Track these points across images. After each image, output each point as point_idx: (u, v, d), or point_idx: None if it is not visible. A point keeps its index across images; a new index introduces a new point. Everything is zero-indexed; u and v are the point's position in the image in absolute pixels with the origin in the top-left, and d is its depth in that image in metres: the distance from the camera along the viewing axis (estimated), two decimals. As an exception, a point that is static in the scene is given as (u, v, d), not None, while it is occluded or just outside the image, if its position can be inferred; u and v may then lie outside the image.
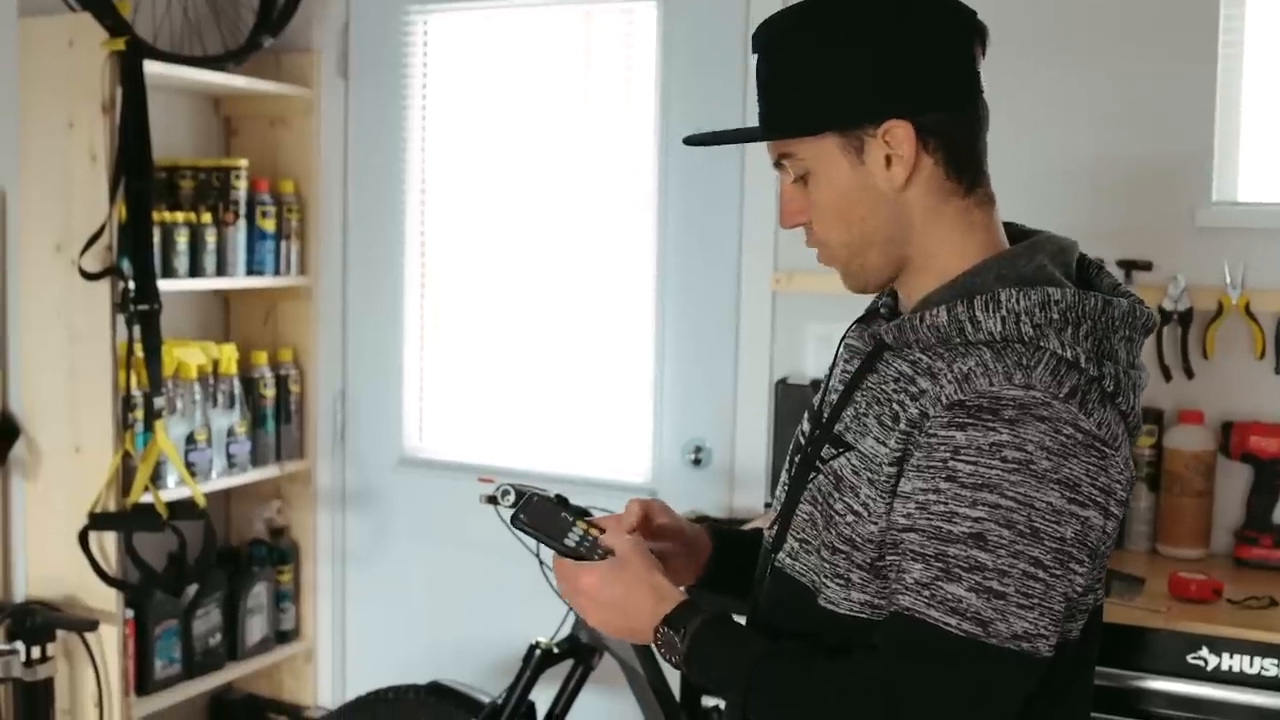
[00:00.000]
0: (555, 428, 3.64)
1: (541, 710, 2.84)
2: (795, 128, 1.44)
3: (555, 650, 2.78)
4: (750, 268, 3.30)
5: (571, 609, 2.77)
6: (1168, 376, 2.83)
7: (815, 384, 3.14)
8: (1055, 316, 1.34)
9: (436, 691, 2.99)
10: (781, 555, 1.51)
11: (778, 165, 1.49)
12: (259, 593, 3.74)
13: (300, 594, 3.92)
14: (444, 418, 3.83)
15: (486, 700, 2.90)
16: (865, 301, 1.60)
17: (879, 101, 1.40)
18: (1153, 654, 2.40)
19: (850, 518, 1.39)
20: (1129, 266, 2.82)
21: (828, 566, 1.42)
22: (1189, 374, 2.83)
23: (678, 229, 3.41)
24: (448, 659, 3.62)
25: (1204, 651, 2.38)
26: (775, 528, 1.54)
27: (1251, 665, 2.35)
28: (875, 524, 1.37)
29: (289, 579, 3.86)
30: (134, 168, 3.14)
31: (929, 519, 1.30)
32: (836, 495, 1.42)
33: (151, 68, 3.20)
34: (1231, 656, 2.36)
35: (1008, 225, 1.50)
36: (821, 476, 1.46)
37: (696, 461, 3.40)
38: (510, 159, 3.66)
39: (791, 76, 1.44)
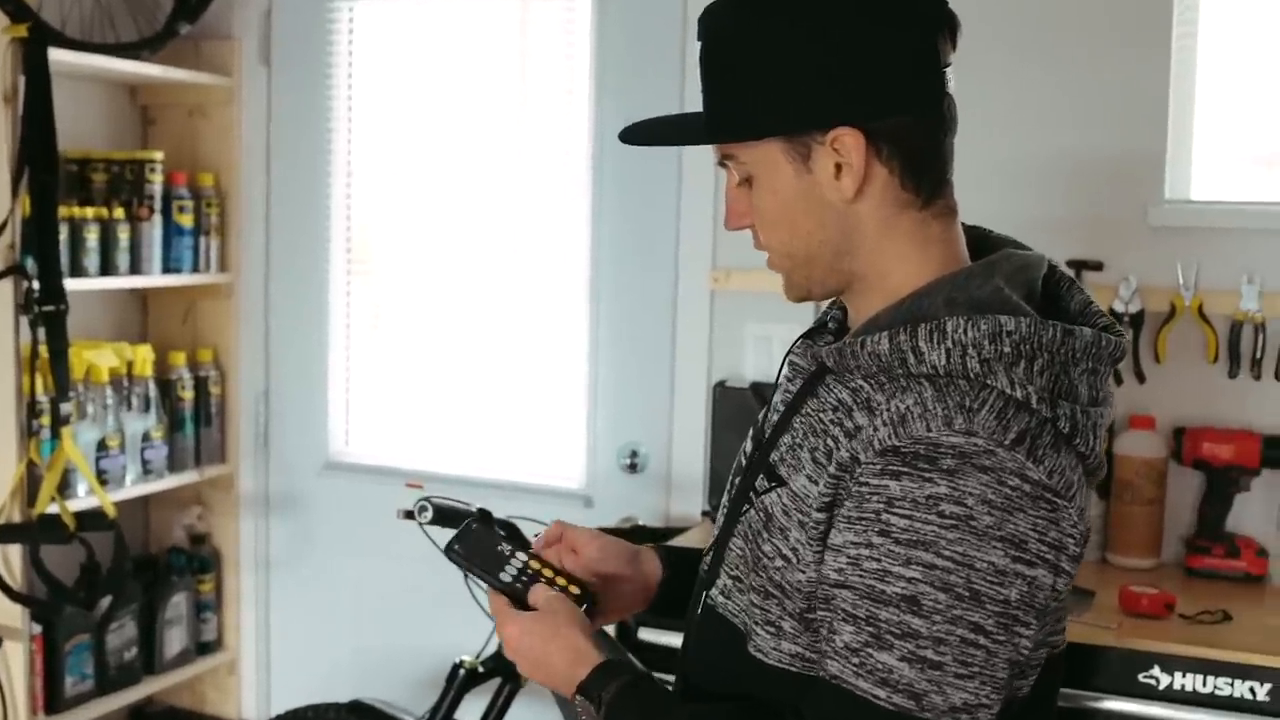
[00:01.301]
0: (486, 431, 3.51)
1: (469, 729, 2.72)
2: (735, 131, 1.31)
3: (480, 670, 2.65)
4: (687, 265, 3.18)
5: (499, 626, 2.66)
6: (1119, 381, 2.74)
7: (755, 387, 3.05)
8: (1007, 350, 1.21)
9: (358, 711, 2.86)
10: (714, 591, 1.40)
11: (722, 164, 1.36)
12: (178, 603, 3.60)
13: (222, 604, 3.78)
14: (371, 420, 3.70)
15: (410, 720, 2.77)
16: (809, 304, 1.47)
17: (827, 105, 1.26)
18: (1103, 673, 2.30)
19: (779, 562, 1.28)
20: (1079, 266, 2.74)
21: (758, 612, 1.30)
22: (1140, 378, 2.74)
23: (612, 224, 3.29)
24: (375, 669, 3.52)
25: (1155, 670, 2.28)
26: (710, 557, 1.43)
27: (1205, 685, 2.26)
28: (804, 573, 1.25)
29: (210, 588, 3.72)
30: (38, 161, 2.99)
31: (860, 576, 1.18)
32: (765, 535, 1.30)
33: (61, 56, 3.06)
34: (1184, 675, 2.27)
35: (971, 230, 1.37)
36: (753, 511, 1.34)
37: (632, 466, 3.28)
38: (440, 152, 3.52)
39: (731, 73, 1.31)
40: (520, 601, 1.43)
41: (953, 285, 1.27)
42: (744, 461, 1.46)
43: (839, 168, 1.27)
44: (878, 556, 1.17)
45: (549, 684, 1.39)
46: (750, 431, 1.49)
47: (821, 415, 1.30)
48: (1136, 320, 2.72)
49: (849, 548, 1.19)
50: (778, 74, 1.26)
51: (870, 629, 1.16)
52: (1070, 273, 1.41)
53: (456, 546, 1.46)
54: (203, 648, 3.72)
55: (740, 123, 1.31)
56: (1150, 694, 2.28)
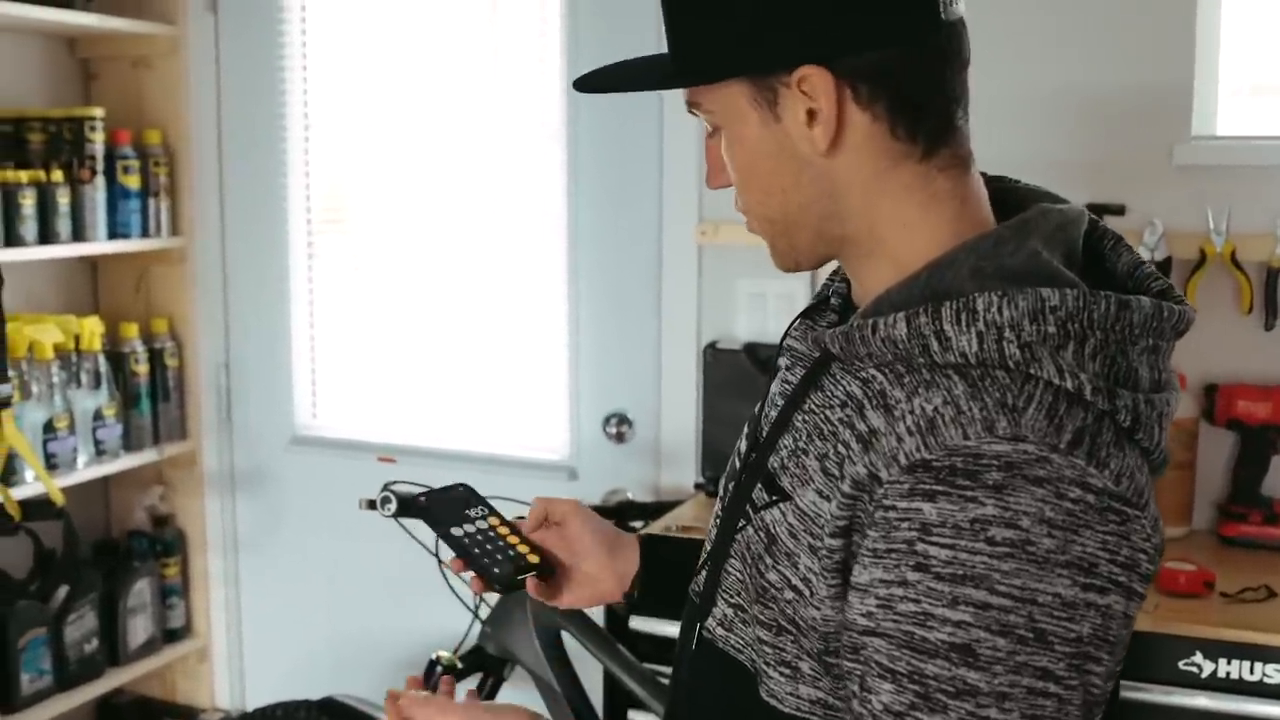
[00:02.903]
0: (462, 401, 3.30)
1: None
2: (693, 72, 1.09)
3: (460, 665, 2.44)
4: (672, 218, 2.96)
5: (476, 617, 2.46)
6: (1143, 334, 2.54)
7: (749, 348, 2.83)
8: (1051, 330, 0.99)
9: (330, 710, 2.67)
10: (711, 622, 1.18)
11: (691, 112, 1.14)
12: (141, 590, 3.40)
13: (190, 588, 3.58)
14: (339, 391, 3.48)
15: (386, 720, 2.57)
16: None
17: (791, 38, 1.03)
18: (1140, 661, 2.10)
19: (789, 594, 1.06)
20: (1100, 210, 2.53)
21: (770, 650, 1.09)
22: (1168, 332, 2.54)
23: (590, 176, 3.06)
24: (351, 654, 3.36)
25: (1198, 657, 2.09)
26: (704, 575, 1.20)
27: (1252, 672, 2.06)
28: (818, 609, 1.04)
29: (175, 572, 3.53)
30: (-37, 122, 2.76)
31: (896, 621, 0.96)
32: (769, 562, 1.08)
33: (-15, 5, 2.83)
34: (1229, 662, 2.08)
35: (993, 181, 1.15)
36: (751, 529, 1.12)
37: (619, 436, 3.07)
38: (404, 102, 3.28)
39: (688, 2, 1.09)
40: (469, 556, 1.40)
41: (978, 253, 1.05)
42: (738, 464, 1.23)
43: (811, 114, 1.05)
44: (916, 596, 0.96)
45: None
46: (745, 428, 1.27)
47: (828, 413, 1.08)
48: (1163, 269, 2.52)
49: (878, 587, 0.98)
50: (736, 2, 1.05)
51: (915, 687, 0.96)
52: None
53: (421, 499, 1.45)
54: (170, 635, 3.53)
55: (698, 62, 1.09)
56: (1193, 683, 2.09)
